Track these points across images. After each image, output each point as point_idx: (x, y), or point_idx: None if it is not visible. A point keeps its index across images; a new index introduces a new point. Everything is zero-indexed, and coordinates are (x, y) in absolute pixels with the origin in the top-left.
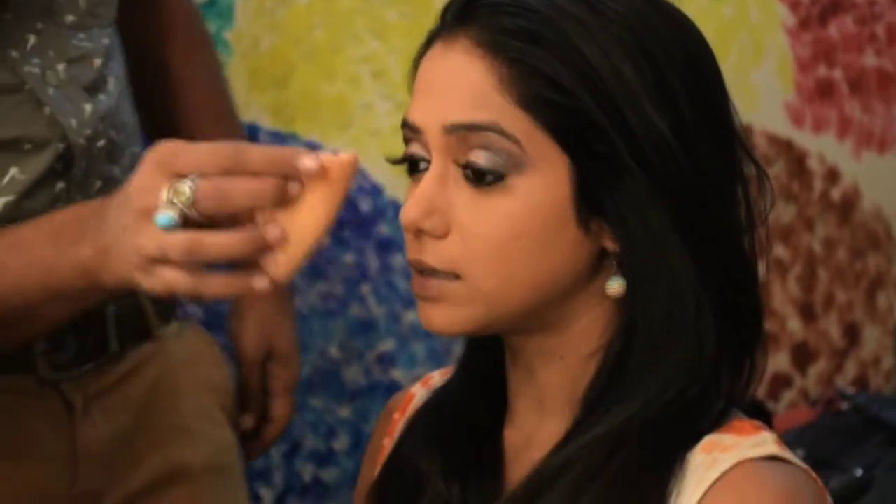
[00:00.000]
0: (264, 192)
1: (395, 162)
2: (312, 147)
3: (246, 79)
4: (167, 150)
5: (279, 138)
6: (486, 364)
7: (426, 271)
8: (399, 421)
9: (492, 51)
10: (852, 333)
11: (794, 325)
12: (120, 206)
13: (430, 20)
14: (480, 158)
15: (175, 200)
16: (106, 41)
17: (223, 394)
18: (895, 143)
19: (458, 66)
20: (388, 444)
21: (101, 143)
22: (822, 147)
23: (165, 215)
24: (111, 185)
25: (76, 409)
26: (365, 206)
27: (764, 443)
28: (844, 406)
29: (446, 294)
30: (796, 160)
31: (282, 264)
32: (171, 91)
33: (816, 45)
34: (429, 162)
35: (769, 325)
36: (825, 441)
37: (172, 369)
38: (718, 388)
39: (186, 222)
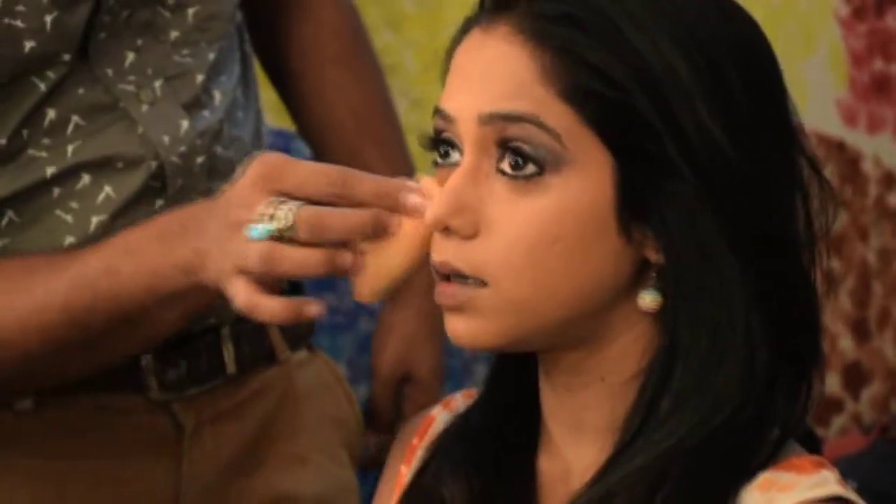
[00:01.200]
0: (363, 227)
1: (428, 146)
2: None
3: None
4: (273, 164)
5: (282, 137)
6: (516, 385)
7: (452, 276)
8: (418, 447)
9: (534, 38)
10: None
11: (846, 343)
12: (218, 213)
13: (447, 12)
14: (521, 146)
15: (273, 224)
16: (212, 55)
17: (349, 432)
18: None
19: (497, 53)
20: (405, 471)
21: (200, 159)
22: (878, 148)
23: (258, 229)
24: None
25: (186, 431)
26: None
27: (826, 482)
28: None
29: (474, 303)
30: (849, 163)
31: (363, 292)
32: (312, 101)
33: (872, 36)
34: (461, 153)
35: None
36: (880, 471)
37: (295, 398)
38: (772, 415)
39: (277, 240)
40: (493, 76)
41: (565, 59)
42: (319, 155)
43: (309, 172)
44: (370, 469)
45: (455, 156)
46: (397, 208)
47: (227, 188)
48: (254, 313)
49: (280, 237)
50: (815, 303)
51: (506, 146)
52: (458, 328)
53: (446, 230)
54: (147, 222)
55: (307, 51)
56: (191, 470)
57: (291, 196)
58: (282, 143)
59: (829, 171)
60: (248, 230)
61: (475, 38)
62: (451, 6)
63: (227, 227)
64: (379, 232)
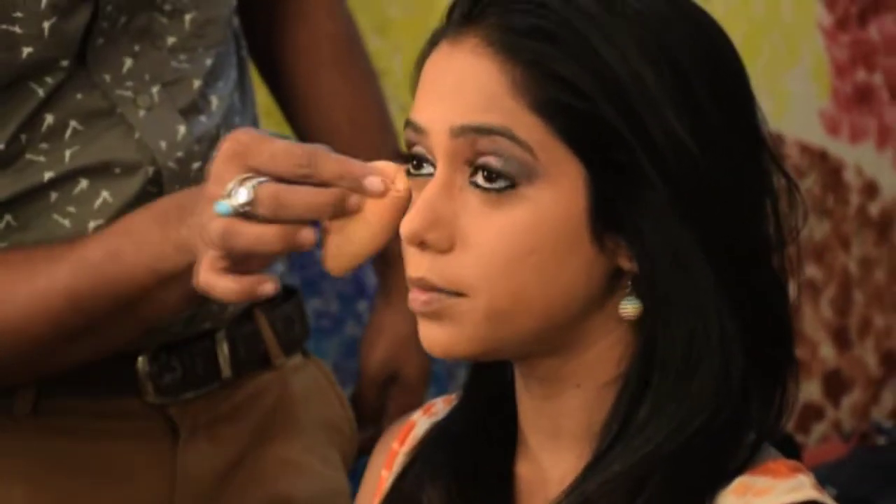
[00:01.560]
0: (323, 206)
1: (403, 159)
2: None
3: None
4: (244, 141)
5: None
6: (493, 391)
7: (427, 289)
8: (398, 452)
9: (503, 51)
10: (890, 361)
11: (827, 351)
12: (202, 190)
13: (435, 17)
14: (491, 163)
15: (237, 195)
16: (209, 61)
17: (342, 437)
18: None
19: (466, 66)
20: (386, 476)
21: (197, 165)
22: (860, 158)
23: (223, 205)
24: None
25: (181, 435)
26: None
27: (801, 487)
28: (881, 440)
29: (450, 311)
30: (831, 172)
31: (328, 265)
32: (308, 106)
33: (855, 47)
34: (433, 166)
35: (799, 352)
36: (860, 478)
37: (291, 402)
38: (748, 420)
39: (248, 216)
40: (463, 89)
41: (535, 72)
42: None
43: (278, 150)
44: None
45: (428, 168)
46: (360, 189)
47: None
48: (210, 291)
49: (245, 214)
50: (787, 309)
51: (476, 163)
52: (432, 336)
53: (422, 244)
54: (147, 205)
55: (303, 56)
56: (185, 473)
57: (260, 172)
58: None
59: (812, 181)
60: (215, 206)
61: (444, 51)
62: (439, 12)
63: (204, 205)
64: (339, 212)
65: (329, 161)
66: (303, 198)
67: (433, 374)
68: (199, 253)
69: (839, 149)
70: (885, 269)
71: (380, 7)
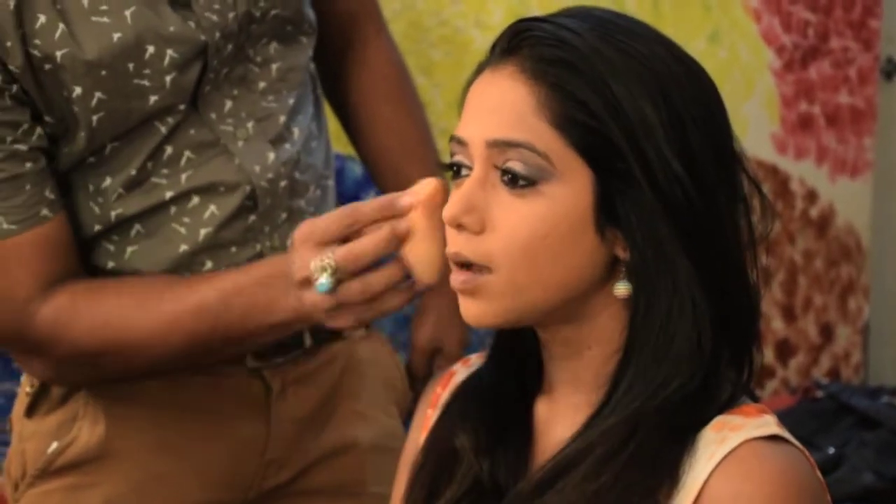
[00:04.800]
0: (384, 241)
1: (444, 167)
2: None
3: None
4: (305, 229)
5: (339, 159)
6: (512, 353)
7: (463, 263)
8: (441, 395)
9: (533, 76)
10: (827, 332)
11: (778, 324)
12: (287, 276)
13: (469, 60)
14: (516, 167)
15: (325, 269)
16: (291, 101)
17: (398, 393)
18: (865, 170)
19: (502, 89)
20: (430, 414)
21: (283, 183)
22: (803, 172)
23: (322, 284)
24: (296, 215)
25: (273, 391)
26: None
27: (767, 424)
28: (819, 394)
29: (482, 288)
30: (780, 182)
31: (423, 280)
32: (367, 131)
33: (799, 84)
34: (471, 169)
35: None
36: (803, 424)
37: (357, 365)
38: (720, 380)
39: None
40: (498, 108)
41: (557, 94)
42: (372, 171)
43: (329, 221)
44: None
45: (466, 172)
46: (400, 212)
47: (287, 259)
48: (382, 312)
49: (339, 281)
50: (752, 294)
51: (505, 167)
52: (470, 309)
53: (459, 226)
54: (248, 267)
55: (364, 94)
56: (277, 419)
57: (325, 243)
58: (338, 164)
59: (766, 189)
60: (317, 288)
61: (486, 77)
62: (471, 55)
63: (299, 287)
64: (398, 238)
65: (365, 206)
66: (368, 245)
67: (472, 344)
68: (328, 319)
69: (786, 164)
70: (823, 259)
71: (425, 51)
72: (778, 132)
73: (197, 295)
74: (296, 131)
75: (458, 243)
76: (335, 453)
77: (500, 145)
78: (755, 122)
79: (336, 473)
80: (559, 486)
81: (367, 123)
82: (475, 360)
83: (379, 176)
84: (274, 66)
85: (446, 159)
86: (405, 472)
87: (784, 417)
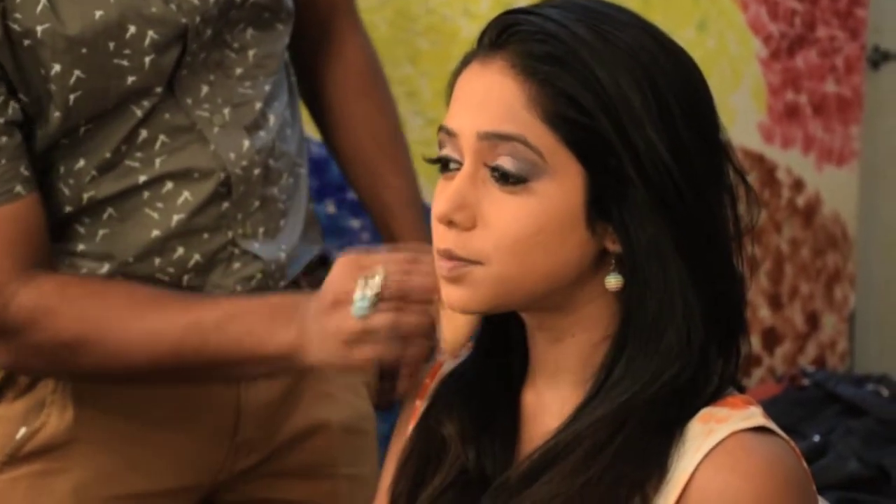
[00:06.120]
0: (434, 288)
1: (431, 161)
2: None
3: None
4: (356, 254)
5: (322, 147)
6: (499, 342)
7: (451, 259)
8: (429, 386)
9: (522, 72)
10: (813, 320)
11: (764, 312)
12: (318, 298)
13: (456, 49)
14: (507, 163)
15: (367, 290)
16: (268, 87)
17: (368, 374)
18: (851, 158)
19: (493, 83)
20: (419, 404)
21: (257, 171)
22: (789, 161)
23: (360, 309)
24: (268, 203)
25: None
26: None
27: (753, 416)
28: (805, 382)
29: (468, 277)
30: (767, 172)
31: (447, 346)
32: (340, 127)
33: (785, 73)
34: (459, 163)
35: None
36: (789, 411)
37: None
38: (708, 372)
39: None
40: (489, 101)
41: (547, 90)
42: (342, 166)
43: (385, 256)
44: (381, 408)
45: (454, 166)
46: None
47: (324, 284)
48: (402, 355)
49: (376, 306)
50: (740, 286)
51: (496, 162)
52: (453, 296)
53: (450, 223)
54: (260, 297)
55: (337, 87)
56: (246, 404)
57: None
58: (325, 153)
59: (752, 178)
60: (354, 311)
61: (475, 68)
62: (458, 45)
63: (332, 307)
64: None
65: (427, 257)
66: (420, 282)
67: None
68: (345, 348)
69: (773, 153)
70: (809, 248)
71: (412, 40)
72: (765, 121)
73: (195, 312)
74: (271, 118)
75: (447, 240)
76: (306, 435)
77: (492, 138)
78: (742, 111)
79: (307, 455)
80: (547, 478)
81: (338, 118)
82: (463, 351)
83: (350, 171)
84: (251, 53)
85: (434, 149)
86: (393, 463)
87: (770, 405)
